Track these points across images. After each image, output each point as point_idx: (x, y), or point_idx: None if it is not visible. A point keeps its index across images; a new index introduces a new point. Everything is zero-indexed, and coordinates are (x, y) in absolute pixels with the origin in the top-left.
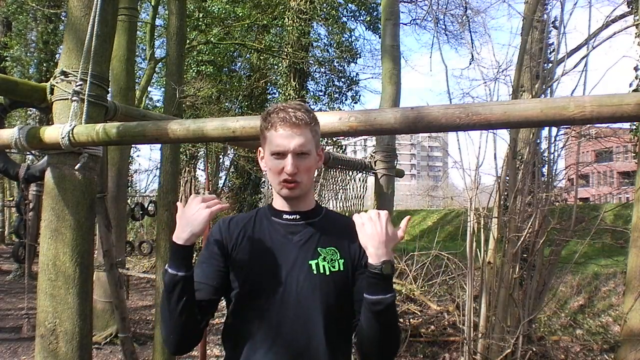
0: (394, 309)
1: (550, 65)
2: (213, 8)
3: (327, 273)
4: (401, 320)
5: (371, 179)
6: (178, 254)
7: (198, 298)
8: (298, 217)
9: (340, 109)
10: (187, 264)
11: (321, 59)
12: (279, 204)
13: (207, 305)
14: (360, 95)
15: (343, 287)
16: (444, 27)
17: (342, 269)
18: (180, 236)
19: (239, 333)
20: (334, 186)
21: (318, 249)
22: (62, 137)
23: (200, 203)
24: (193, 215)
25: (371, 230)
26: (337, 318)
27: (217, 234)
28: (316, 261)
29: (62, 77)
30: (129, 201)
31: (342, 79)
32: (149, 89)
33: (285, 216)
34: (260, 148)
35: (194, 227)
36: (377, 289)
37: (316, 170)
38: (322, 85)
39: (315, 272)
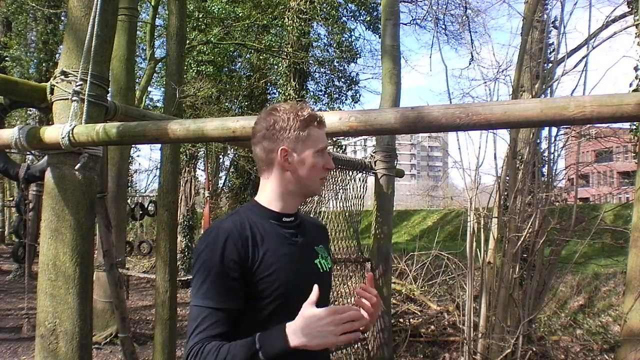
0: None
1: (550, 65)
2: (213, 8)
3: (327, 270)
4: (401, 320)
5: (371, 179)
6: (284, 355)
7: (228, 328)
8: (294, 219)
9: (340, 109)
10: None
11: (321, 59)
12: (282, 205)
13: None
14: (360, 95)
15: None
16: (444, 27)
17: (330, 265)
18: (297, 340)
19: None
20: (334, 186)
21: (314, 247)
22: (62, 137)
23: (334, 325)
24: (320, 332)
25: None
26: None
27: (231, 249)
28: (318, 260)
29: (62, 77)
30: (129, 201)
31: (342, 79)
32: (149, 89)
33: (284, 218)
34: (284, 147)
35: (310, 343)
36: None
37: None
38: (322, 85)
39: (321, 270)
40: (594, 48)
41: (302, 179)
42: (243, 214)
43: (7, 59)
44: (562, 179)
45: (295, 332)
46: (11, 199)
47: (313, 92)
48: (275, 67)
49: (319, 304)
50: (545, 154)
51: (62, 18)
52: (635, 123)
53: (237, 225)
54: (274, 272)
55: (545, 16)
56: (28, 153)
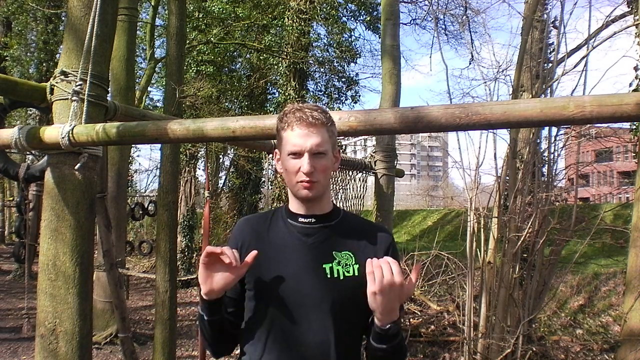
0: (399, 345)
1: (550, 65)
2: (213, 8)
3: (341, 278)
4: (401, 320)
5: (371, 179)
6: (207, 306)
7: (229, 309)
8: (314, 220)
9: (340, 109)
10: (217, 311)
11: (321, 59)
12: (295, 206)
13: (236, 313)
14: (360, 95)
15: (356, 293)
16: (444, 27)
17: (356, 274)
18: (204, 292)
19: (251, 336)
20: (334, 186)
21: (333, 252)
22: (62, 137)
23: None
24: (200, 273)
25: (382, 301)
26: (348, 323)
27: (233, 237)
28: (330, 265)
29: (62, 77)
30: (129, 201)
31: (342, 79)
32: (149, 89)
33: (300, 219)
34: (276, 150)
35: (202, 286)
36: (382, 340)
37: (333, 171)
38: (322, 85)
39: (329, 276)
40: (594, 48)
41: (287, 182)
42: (272, 210)
43: (7, 59)
44: (562, 179)
45: (202, 288)
46: (11, 199)
47: (313, 92)
48: (275, 67)
49: (325, 313)
50: (545, 154)
51: (62, 18)
52: (635, 123)
53: (250, 221)
54: (261, 262)
55: (545, 16)
56: (28, 153)
